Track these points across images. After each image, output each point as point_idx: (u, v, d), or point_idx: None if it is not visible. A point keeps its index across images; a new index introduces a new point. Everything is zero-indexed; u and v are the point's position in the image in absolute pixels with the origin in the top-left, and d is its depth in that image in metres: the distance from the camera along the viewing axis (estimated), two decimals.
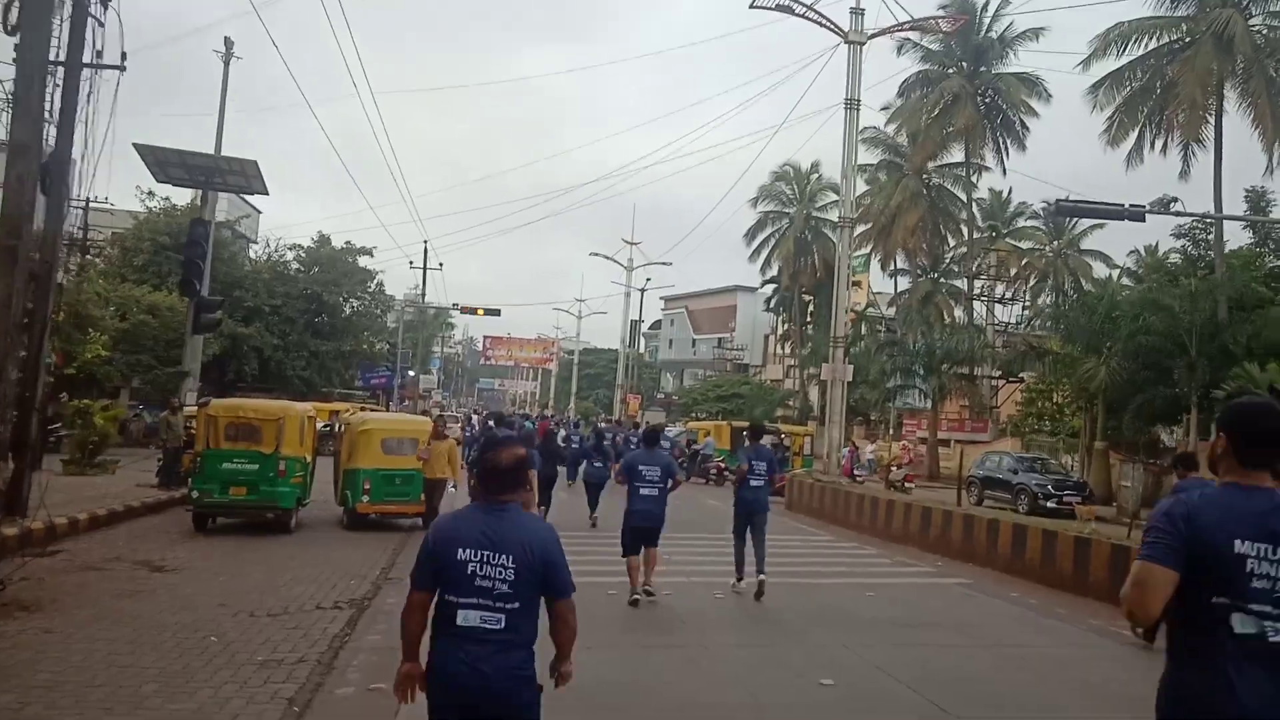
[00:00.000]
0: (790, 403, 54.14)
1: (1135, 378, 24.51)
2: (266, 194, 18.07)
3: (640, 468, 9.39)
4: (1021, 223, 53.01)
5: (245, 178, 16.69)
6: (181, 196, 35.78)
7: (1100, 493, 24.47)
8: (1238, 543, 2.43)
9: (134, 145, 15.74)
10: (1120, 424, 26.37)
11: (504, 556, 3.04)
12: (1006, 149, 39.54)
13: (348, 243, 41.95)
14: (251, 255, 43.72)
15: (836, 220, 51.15)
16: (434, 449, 12.62)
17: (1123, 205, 17.39)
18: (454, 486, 12.99)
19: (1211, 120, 25.91)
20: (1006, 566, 12.29)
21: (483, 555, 3.04)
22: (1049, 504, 21.13)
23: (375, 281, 43.34)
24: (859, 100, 22.52)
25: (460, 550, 3.05)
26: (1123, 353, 24.36)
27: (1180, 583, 2.43)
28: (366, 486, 12.92)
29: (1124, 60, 27.49)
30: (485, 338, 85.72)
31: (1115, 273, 41.00)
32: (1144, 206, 17.56)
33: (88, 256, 33.79)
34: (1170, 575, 2.45)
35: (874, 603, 10.10)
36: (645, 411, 53.14)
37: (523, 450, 3.29)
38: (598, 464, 15.44)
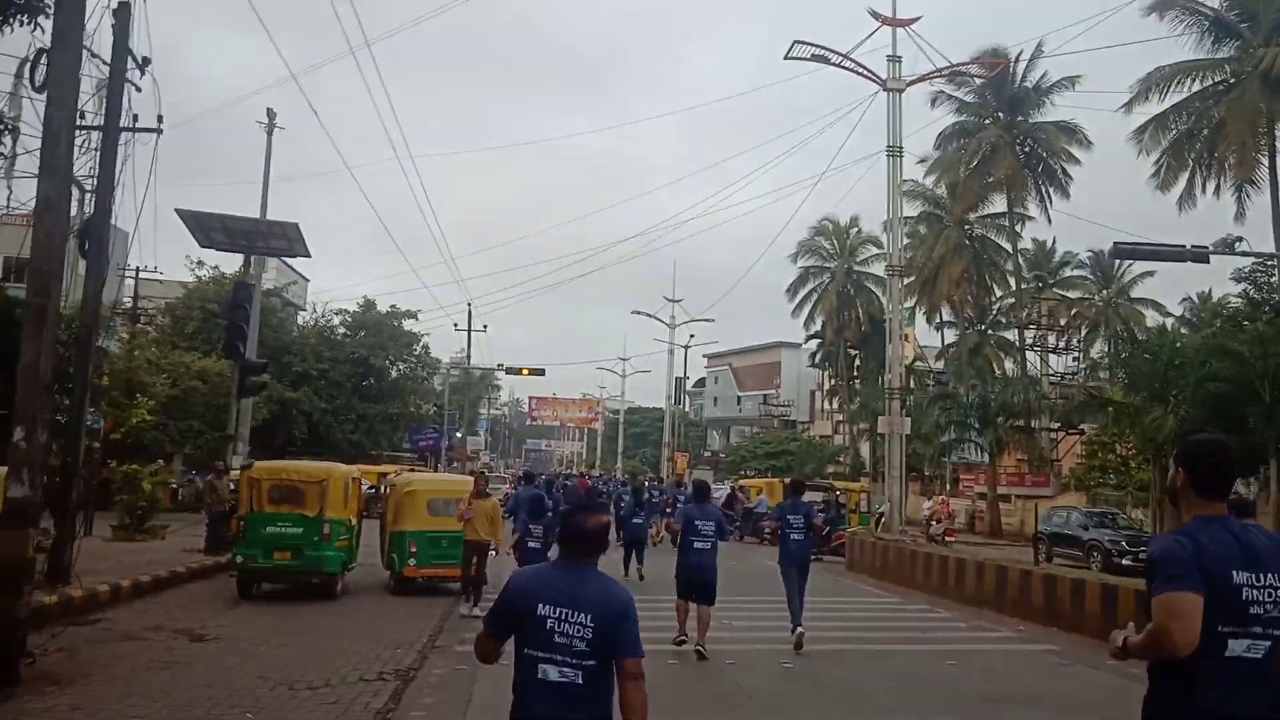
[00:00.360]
0: (841, 459, 53.09)
1: (1206, 427, 23.40)
2: (309, 256, 18.20)
3: (695, 522, 9.63)
4: (1068, 272, 52.15)
5: (287, 240, 16.75)
6: (231, 264, 36.44)
7: None
8: (1234, 573, 2.70)
9: (176, 211, 15.95)
10: None
11: (583, 615, 3.12)
12: (1049, 197, 39.02)
13: (393, 307, 42.38)
14: (299, 321, 44.34)
15: (879, 273, 51.33)
16: (476, 508, 11.68)
17: (1184, 247, 16.74)
18: (495, 550, 12.06)
19: (1264, 160, 25.23)
20: (1097, 631, 11.32)
21: (561, 613, 3.13)
22: (1124, 561, 20.04)
23: (421, 344, 43.61)
24: (901, 147, 22.27)
25: (540, 606, 3.15)
26: (1191, 401, 23.33)
27: None
28: (413, 549, 12.55)
29: (1167, 104, 27.09)
30: (530, 399, 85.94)
31: (1170, 320, 39.98)
32: (1207, 248, 16.89)
33: (139, 325, 34.56)
34: (1200, 600, 2.62)
35: (958, 673, 9.38)
36: (693, 469, 52.36)
37: (607, 517, 3.44)
38: (637, 520, 15.34)
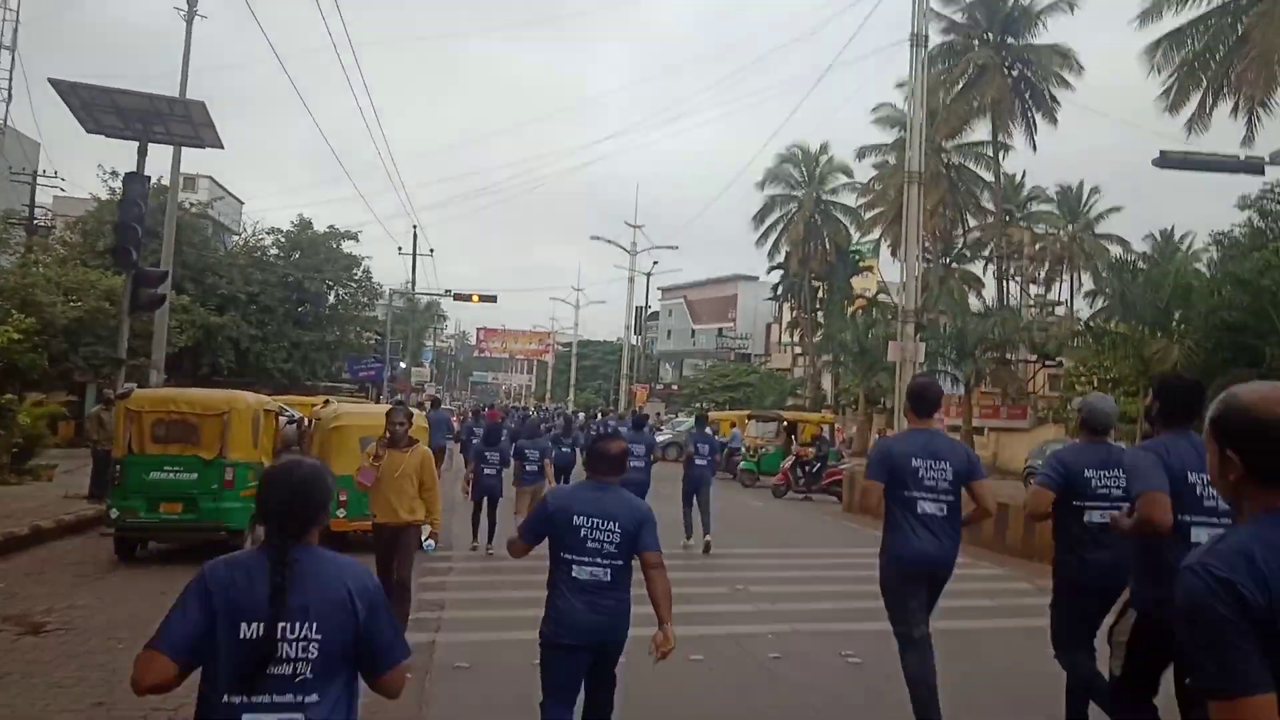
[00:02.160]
0: (799, 391, 51.50)
1: (1212, 358, 21.84)
2: (220, 146, 15.13)
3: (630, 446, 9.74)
4: (1035, 206, 50.92)
5: (192, 125, 13.69)
6: (152, 174, 32.94)
7: None
8: (1189, 474, 3.83)
9: (50, 81, 12.72)
10: None
11: (612, 523, 3.91)
12: (1034, 125, 36.93)
13: (331, 226, 39.00)
14: (228, 243, 40.80)
15: (849, 203, 49.42)
16: (387, 464, 6.79)
17: (1237, 157, 14.76)
18: (430, 542, 6.95)
19: None
20: None
21: (594, 522, 3.90)
22: None
23: (362, 268, 40.37)
24: (926, 35, 20.04)
25: (576, 517, 3.91)
26: (1202, 331, 21.77)
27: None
28: (342, 499, 10.10)
29: (1183, 19, 25.01)
30: (479, 329, 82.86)
31: (1187, 246, 38.59)
32: (1263, 158, 14.89)
33: (37, 236, 30.97)
34: (1166, 495, 3.80)
35: None
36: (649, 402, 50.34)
37: (624, 443, 4.43)
38: (565, 449, 13.87)
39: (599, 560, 3.85)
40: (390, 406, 8.16)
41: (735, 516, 14.44)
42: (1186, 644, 1.67)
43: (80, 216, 33.22)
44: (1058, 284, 52.95)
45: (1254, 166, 14.55)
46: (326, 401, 28.26)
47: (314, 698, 2.27)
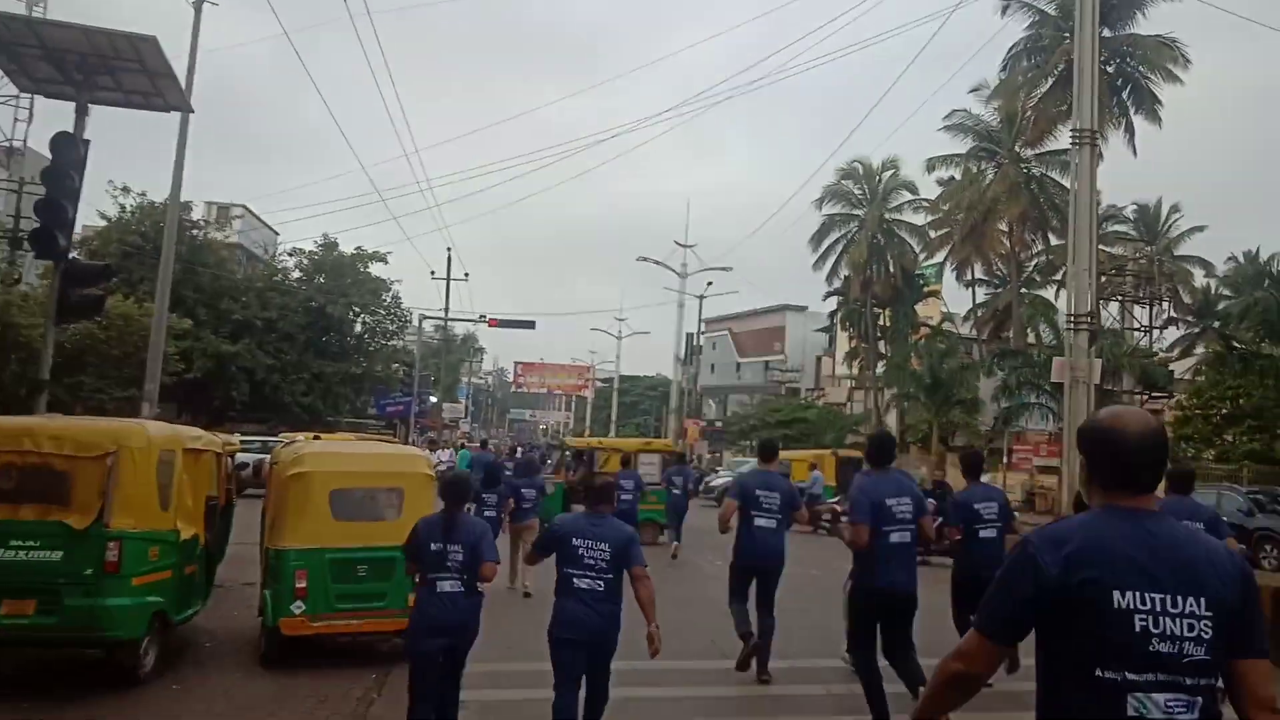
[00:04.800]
0: (860, 427, 47.44)
1: None
2: (188, 109, 12.15)
3: (621, 482, 12.38)
4: (1109, 226, 46.86)
5: (149, 77, 10.47)
6: (161, 190, 30.38)
7: None
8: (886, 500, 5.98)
9: None
10: None
11: (603, 545, 4.92)
12: (1133, 127, 32.98)
13: (359, 248, 36.01)
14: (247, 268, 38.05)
15: (915, 221, 45.74)
16: None
17: None
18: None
19: None
20: None
21: (589, 544, 4.92)
22: None
23: (391, 293, 37.31)
24: None
25: (574, 538, 4.94)
26: None
27: None
28: (300, 585, 6.65)
29: None
30: (516, 364, 79.76)
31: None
32: None
33: (20, 252, 28.26)
34: None
35: None
36: (709, 439, 46.63)
37: (612, 479, 5.68)
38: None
39: (593, 574, 4.88)
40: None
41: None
42: (992, 584, 2.19)
43: (85, 236, 30.56)
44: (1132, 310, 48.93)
45: None
46: (380, 438, 24.74)
47: (466, 579, 5.01)
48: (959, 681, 2.17)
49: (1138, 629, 1.98)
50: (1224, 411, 28.77)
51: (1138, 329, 36.57)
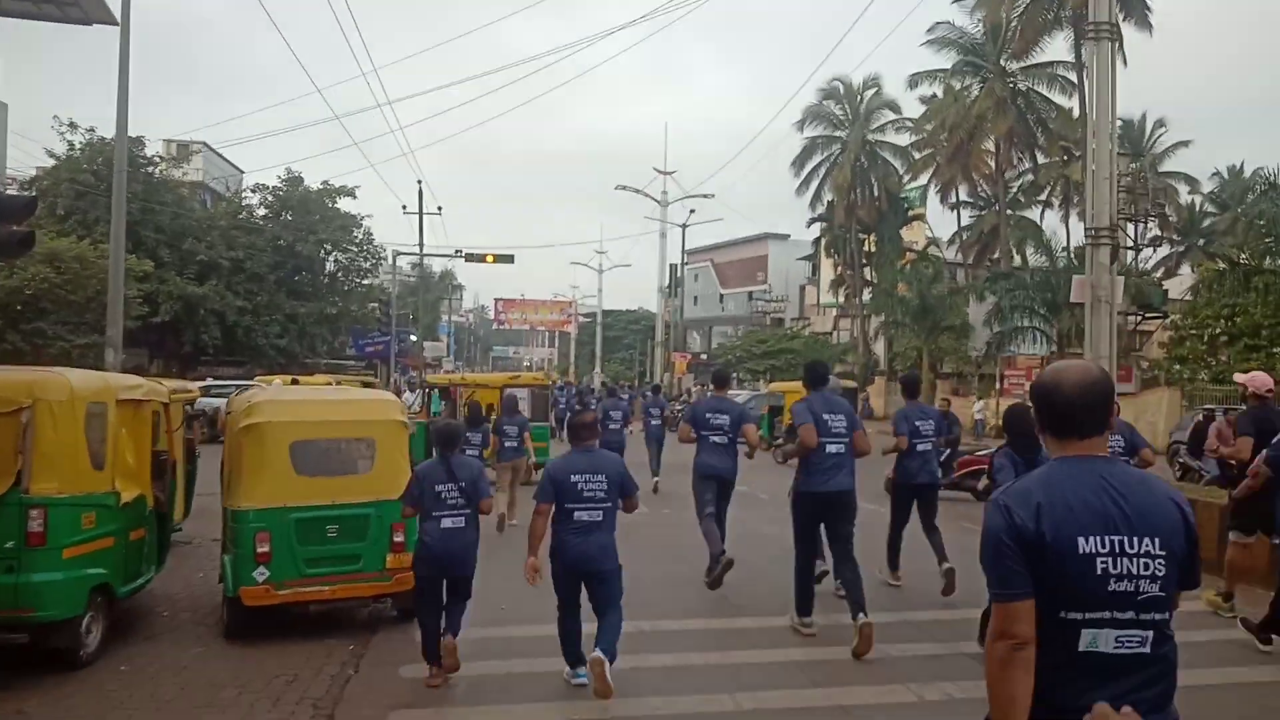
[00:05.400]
0: (847, 357, 46.98)
1: None
2: (113, 22, 10.98)
3: (610, 412, 14.56)
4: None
5: None
6: (110, 125, 28.87)
7: None
8: (824, 415, 6.74)
9: None
10: None
11: (600, 476, 5.30)
12: (1121, 36, 31.74)
13: (325, 182, 34.63)
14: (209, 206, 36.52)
15: (898, 142, 44.59)
16: None
17: None
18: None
19: None
20: None
21: (587, 478, 5.27)
22: None
23: (362, 229, 36.03)
24: None
25: (573, 475, 5.26)
26: None
27: None
28: (261, 548, 5.89)
29: None
30: (496, 300, 78.46)
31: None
32: None
33: None
34: None
35: None
36: (696, 372, 45.99)
37: (593, 414, 6.06)
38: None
39: (593, 505, 5.26)
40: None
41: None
42: (982, 557, 2.24)
43: (34, 176, 29.10)
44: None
45: None
46: (361, 381, 23.78)
47: (467, 514, 5.59)
48: (1014, 654, 2.11)
49: (1099, 571, 2.09)
50: (1218, 331, 28.32)
51: (1128, 247, 35.93)
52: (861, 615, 6.02)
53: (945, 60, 37.57)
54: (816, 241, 50.99)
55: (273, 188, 34.53)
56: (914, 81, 38.97)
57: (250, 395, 6.66)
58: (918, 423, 7.98)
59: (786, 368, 48.30)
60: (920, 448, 7.91)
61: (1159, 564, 2.12)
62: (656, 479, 14.57)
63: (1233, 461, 7.76)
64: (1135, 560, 2.10)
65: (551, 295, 78.77)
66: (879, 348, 45.14)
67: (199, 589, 7.45)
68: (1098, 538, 2.10)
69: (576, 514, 5.20)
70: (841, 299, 50.14)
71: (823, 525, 6.63)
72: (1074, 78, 34.00)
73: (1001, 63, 35.90)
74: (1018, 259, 38.79)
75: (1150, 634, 2.12)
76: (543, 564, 5.27)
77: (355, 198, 34.71)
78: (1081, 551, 2.09)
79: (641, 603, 6.48)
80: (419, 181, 42.35)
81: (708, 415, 8.21)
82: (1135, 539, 2.12)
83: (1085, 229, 11.36)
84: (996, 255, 41.86)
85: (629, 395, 21.50)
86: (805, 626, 6.54)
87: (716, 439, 8.07)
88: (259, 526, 5.91)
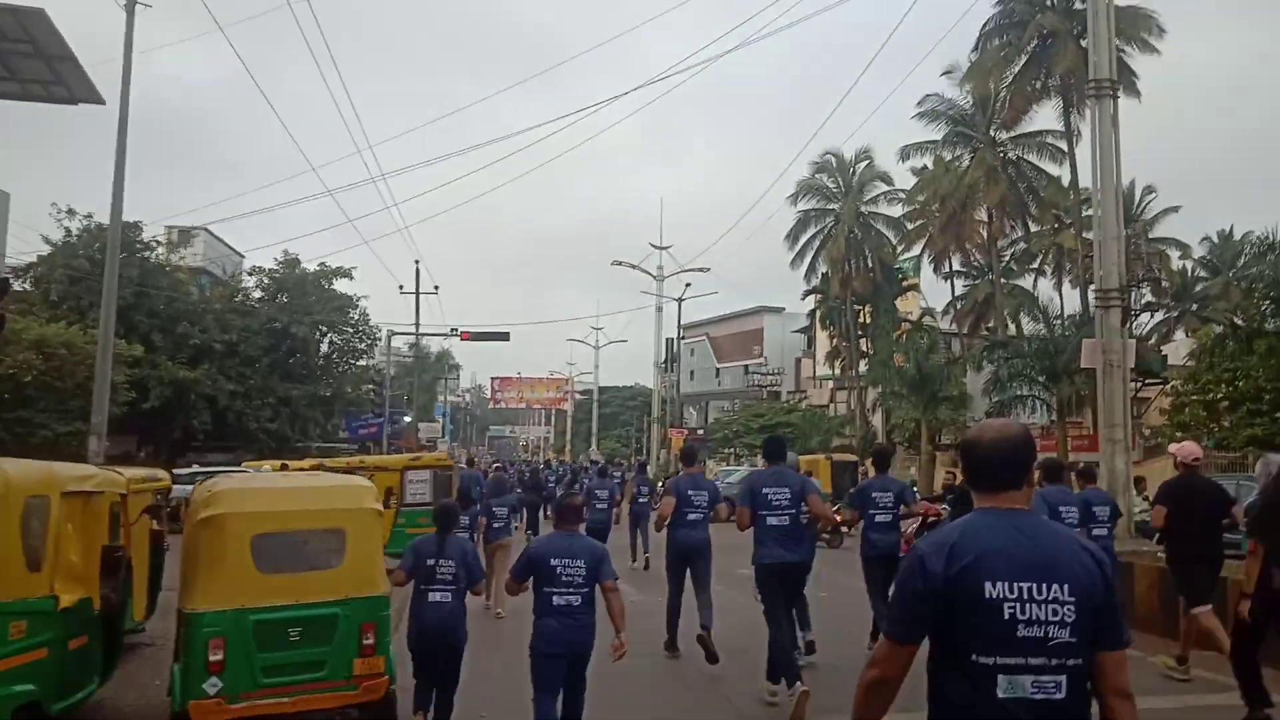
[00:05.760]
0: (845, 430, 46.48)
1: None
2: (100, 101, 10.83)
3: (595, 491, 14.46)
4: (1085, 211, 46.22)
5: (45, 61, 8.91)
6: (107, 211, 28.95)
7: None
8: (764, 489, 7.27)
9: None
10: None
11: (578, 562, 5.30)
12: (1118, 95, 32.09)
13: (322, 264, 34.62)
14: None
15: (891, 213, 44.86)
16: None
17: None
18: None
19: None
20: None
21: (565, 562, 5.29)
22: None
23: (358, 310, 35.89)
24: None
25: (552, 559, 5.30)
26: None
27: None
28: (216, 656, 5.41)
29: None
30: (493, 379, 78.33)
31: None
32: None
33: None
34: None
35: None
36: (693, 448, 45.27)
37: (580, 499, 6.12)
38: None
39: (570, 590, 5.25)
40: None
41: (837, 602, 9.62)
42: (892, 596, 2.48)
43: (31, 263, 29.04)
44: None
45: None
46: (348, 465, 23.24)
47: (455, 589, 5.98)
48: (877, 686, 2.32)
49: (1006, 616, 2.17)
50: (1220, 395, 27.94)
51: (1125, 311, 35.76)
52: (798, 684, 6.37)
53: (936, 132, 38.03)
54: (812, 314, 51.03)
55: (269, 270, 34.50)
56: (905, 153, 39.38)
57: (212, 484, 6.20)
58: (875, 494, 8.37)
59: (785, 442, 47.84)
60: (879, 519, 8.28)
61: (1068, 610, 2.19)
62: (647, 555, 14.49)
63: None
64: (1044, 606, 2.18)
65: (548, 374, 78.59)
66: (877, 420, 44.71)
67: (155, 698, 6.86)
68: (1005, 584, 2.19)
69: (555, 599, 5.25)
70: (838, 371, 49.91)
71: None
72: (1064, 145, 34.35)
73: (991, 132, 36.33)
74: (1013, 328, 38.73)
75: (1064, 678, 2.18)
76: (518, 659, 5.40)
77: (352, 278, 34.72)
78: (989, 596, 2.18)
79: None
80: (416, 261, 42.52)
81: (690, 493, 8.56)
82: (1044, 585, 2.20)
83: (1094, 291, 11.12)
84: (991, 324, 41.83)
85: (619, 475, 20.80)
86: (771, 695, 6.84)
87: (693, 515, 8.48)
88: (213, 631, 5.40)
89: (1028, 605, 2.18)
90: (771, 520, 7.12)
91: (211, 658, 5.35)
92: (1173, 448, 8.35)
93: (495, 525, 11.28)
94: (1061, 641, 2.17)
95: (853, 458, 27.32)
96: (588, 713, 5.31)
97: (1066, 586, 2.20)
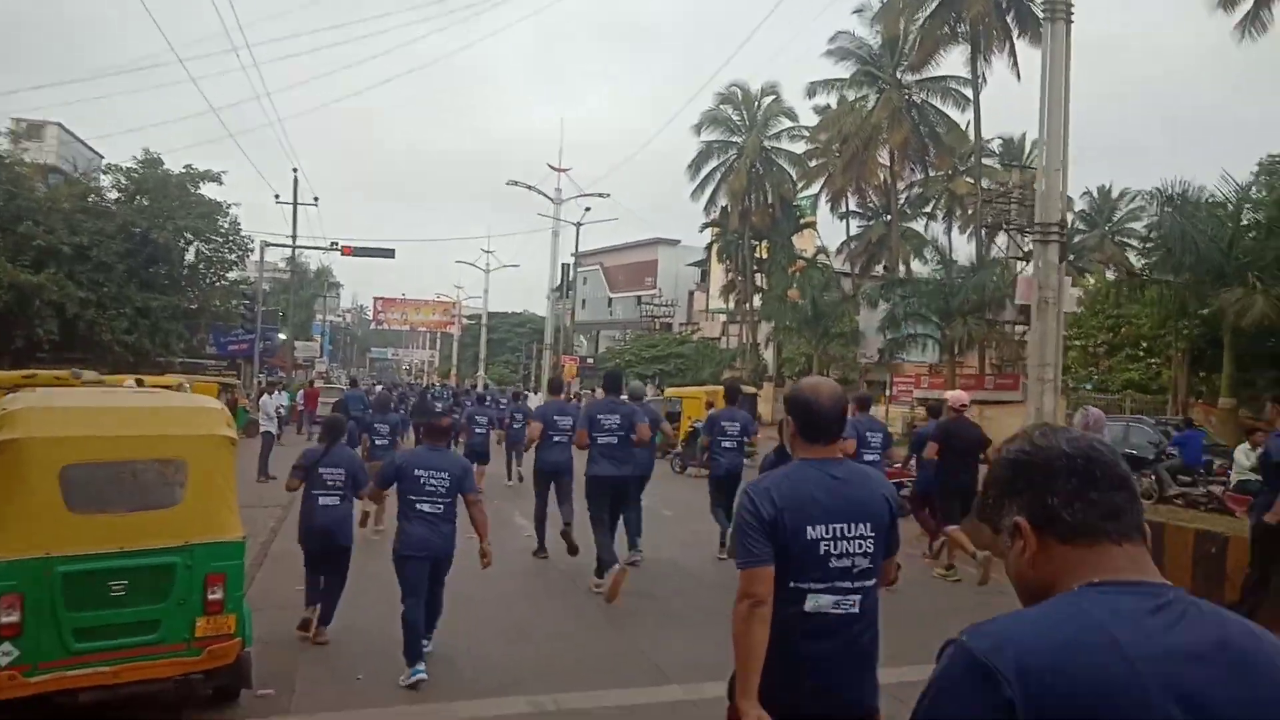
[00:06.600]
0: (736, 363, 46.57)
1: None
2: None
3: (476, 417, 14.81)
4: (986, 160, 46.95)
5: None
6: None
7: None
8: (599, 416, 8.64)
9: None
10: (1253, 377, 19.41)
11: (442, 474, 5.77)
12: (1014, 51, 32.14)
13: (188, 166, 31.69)
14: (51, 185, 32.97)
15: (795, 149, 44.41)
16: None
17: None
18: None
19: None
20: None
21: (430, 473, 5.75)
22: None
23: (228, 219, 33.15)
24: None
25: (417, 470, 5.77)
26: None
27: None
28: (9, 617, 4.24)
29: None
30: (376, 299, 75.24)
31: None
32: None
33: None
34: None
35: None
36: (587, 377, 44.54)
37: (449, 420, 8.47)
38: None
39: (435, 499, 5.73)
40: None
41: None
42: (732, 537, 2.76)
43: None
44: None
45: None
46: (221, 381, 21.59)
47: (342, 494, 6.57)
48: (754, 610, 2.57)
49: (822, 552, 2.63)
50: (1100, 341, 28.78)
51: (1018, 258, 36.61)
52: (615, 566, 7.62)
53: (844, 71, 37.54)
54: (709, 247, 50.51)
55: (127, 169, 31.38)
56: (812, 90, 38.79)
57: (10, 400, 4.90)
58: (724, 423, 9.59)
59: (675, 372, 47.59)
60: (725, 444, 9.49)
61: (869, 543, 2.68)
62: (520, 470, 15.53)
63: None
64: (851, 542, 2.65)
65: (435, 295, 76.03)
66: (768, 354, 44.86)
67: None
68: (823, 526, 2.63)
69: (419, 505, 5.73)
70: (732, 304, 49.79)
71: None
72: (968, 92, 34.32)
73: (898, 74, 36.03)
74: (903, 269, 39.12)
75: (859, 597, 2.66)
76: (385, 559, 6.02)
77: (221, 183, 31.82)
78: (809, 537, 2.61)
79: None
80: (294, 169, 39.63)
81: (556, 418, 9.35)
82: (852, 524, 2.66)
83: (1034, 224, 10.60)
84: (884, 265, 42.21)
85: (505, 403, 20.02)
86: (597, 586, 7.95)
87: (559, 438, 9.21)
88: (6, 586, 4.23)
89: (839, 542, 2.64)
90: (601, 440, 8.18)
91: (3, 619, 4.17)
92: (947, 394, 9.44)
93: (377, 442, 11.44)
94: (863, 569, 2.67)
95: (753, 390, 27.04)
96: (470, 610, 6.08)
97: (869, 524, 2.68)
